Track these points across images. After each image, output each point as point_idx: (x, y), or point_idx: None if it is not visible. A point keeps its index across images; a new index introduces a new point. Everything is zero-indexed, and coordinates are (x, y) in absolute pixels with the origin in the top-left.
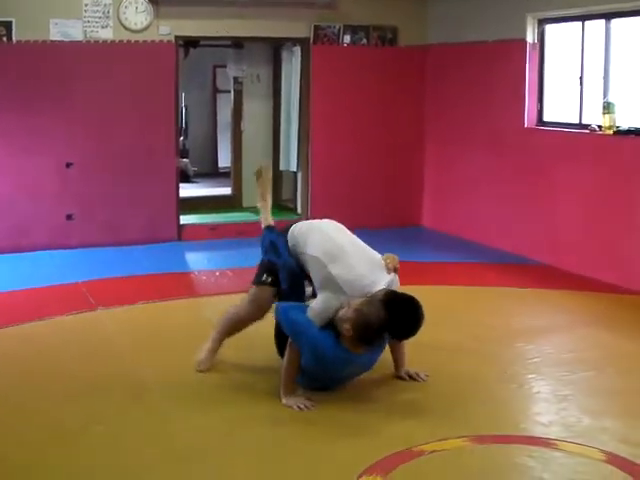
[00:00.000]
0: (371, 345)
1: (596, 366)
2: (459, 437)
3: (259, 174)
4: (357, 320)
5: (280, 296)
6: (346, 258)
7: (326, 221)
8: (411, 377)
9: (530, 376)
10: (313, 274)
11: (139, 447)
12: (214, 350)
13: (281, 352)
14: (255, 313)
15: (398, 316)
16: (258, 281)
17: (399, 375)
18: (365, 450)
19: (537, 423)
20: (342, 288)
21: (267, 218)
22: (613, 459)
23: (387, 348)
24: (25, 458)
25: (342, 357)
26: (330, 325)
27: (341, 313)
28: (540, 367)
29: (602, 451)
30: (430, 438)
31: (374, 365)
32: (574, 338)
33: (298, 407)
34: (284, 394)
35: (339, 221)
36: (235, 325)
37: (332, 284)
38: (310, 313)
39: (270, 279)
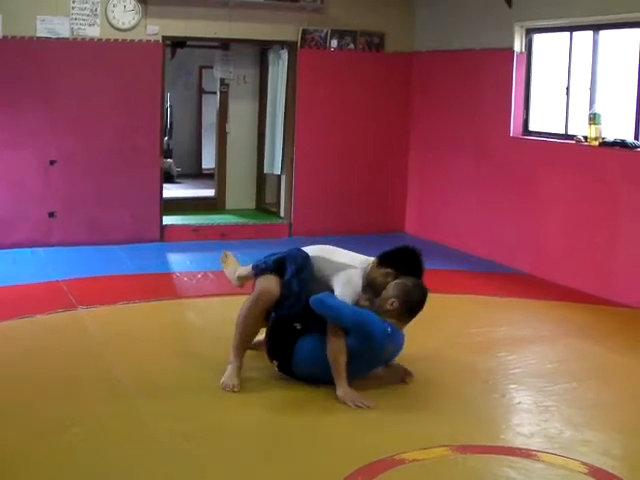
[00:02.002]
0: (414, 315)
1: (578, 377)
2: (440, 446)
3: (224, 259)
4: (401, 291)
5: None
6: (339, 251)
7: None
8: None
9: (512, 386)
10: (320, 273)
11: (116, 449)
12: (239, 368)
13: (272, 356)
14: (266, 300)
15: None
16: (260, 272)
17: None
18: (345, 458)
19: (518, 434)
20: (350, 264)
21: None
22: (594, 471)
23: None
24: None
25: (389, 332)
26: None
27: (383, 294)
28: (522, 378)
29: (583, 463)
30: (411, 447)
31: (398, 353)
32: (556, 349)
33: (355, 405)
34: (340, 384)
35: (322, 227)
36: (250, 325)
37: (340, 266)
38: (340, 296)
39: (272, 270)
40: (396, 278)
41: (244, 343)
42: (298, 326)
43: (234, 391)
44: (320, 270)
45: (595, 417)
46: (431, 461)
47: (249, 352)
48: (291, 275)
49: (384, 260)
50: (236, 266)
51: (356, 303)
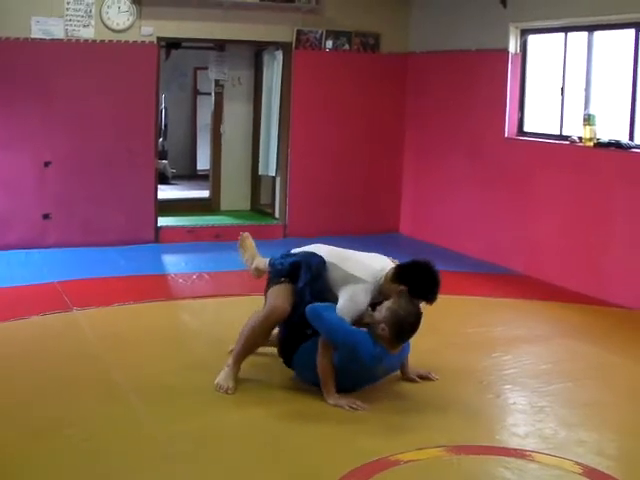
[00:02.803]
0: (406, 341)
1: (573, 378)
2: (435, 447)
3: (242, 242)
4: (392, 318)
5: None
6: (353, 256)
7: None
8: (422, 378)
9: (507, 387)
10: (330, 281)
11: (113, 450)
12: (236, 373)
13: (286, 360)
14: (277, 319)
15: (424, 278)
16: (276, 273)
17: (408, 377)
18: (340, 459)
19: (513, 434)
20: (361, 277)
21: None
22: (589, 472)
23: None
24: None
25: (379, 355)
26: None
27: (375, 315)
28: (517, 378)
29: (578, 463)
30: (406, 448)
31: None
32: (551, 349)
33: (350, 407)
34: (329, 394)
35: (316, 228)
36: (256, 339)
37: (350, 277)
38: (340, 311)
39: (286, 279)
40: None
41: (246, 354)
42: (309, 332)
43: (228, 393)
44: (331, 278)
45: (590, 417)
46: (426, 462)
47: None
48: (304, 284)
49: (399, 276)
50: (254, 253)
51: (360, 318)
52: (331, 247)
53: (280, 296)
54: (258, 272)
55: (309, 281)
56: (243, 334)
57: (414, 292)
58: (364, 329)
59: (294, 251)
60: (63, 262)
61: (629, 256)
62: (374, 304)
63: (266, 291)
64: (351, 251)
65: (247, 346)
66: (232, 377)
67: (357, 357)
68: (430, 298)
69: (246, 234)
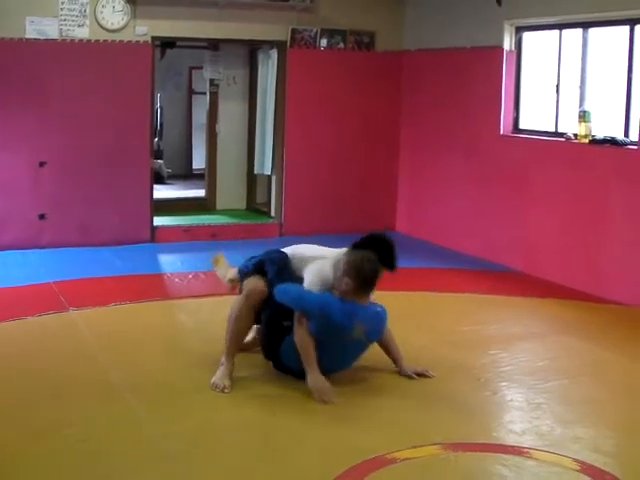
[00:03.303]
0: (371, 286)
1: (570, 374)
2: (432, 445)
3: (215, 260)
4: (350, 268)
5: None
6: (317, 247)
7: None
8: (419, 375)
9: (503, 384)
10: (299, 272)
11: (111, 450)
12: (231, 370)
13: (271, 357)
14: (254, 297)
15: (379, 247)
16: (244, 276)
17: (405, 374)
18: (336, 457)
19: (510, 431)
20: (323, 256)
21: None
22: (586, 468)
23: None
24: None
25: (349, 309)
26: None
27: (335, 276)
28: (513, 375)
29: (575, 460)
30: (403, 445)
31: (382, 329)
32: (548, 346)
33: (322, 400)
34: (310, 371)
35: (312, 226)
36: (240, 324)
37: (311, 258)
38: (307, 285)
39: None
40: None
41: (236, 343)
42: (286, 323)
43: (224, 392)
44: (298, 269)
45: (586, 414)
46: (423, 459)
47: (240, 353)
48: (273, 275)
49: (356, 246)
50: (227, 268)
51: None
52: (295, 245)
53: (252, 281)
54: (232, 282)
55: (277, 272)
56: (228, 326)
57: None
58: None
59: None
60: (59, 262)
61: (625, 253)
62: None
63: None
64: (314, 245)
65: (235, 336)
66: (227, 375)
67: (330, 318)
68: (390, 264)
69: (219, 254)
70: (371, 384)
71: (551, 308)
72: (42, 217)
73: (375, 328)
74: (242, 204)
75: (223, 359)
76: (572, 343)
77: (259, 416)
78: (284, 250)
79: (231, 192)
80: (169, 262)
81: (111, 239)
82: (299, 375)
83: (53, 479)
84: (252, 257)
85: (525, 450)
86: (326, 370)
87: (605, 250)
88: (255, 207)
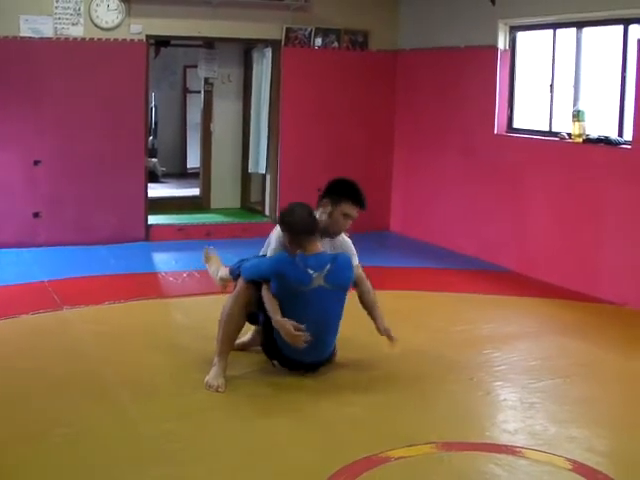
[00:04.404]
0: (305, 232)
1: (564, 374)
2: (426, 444)
3: (207, 258)
4: (280, 223)
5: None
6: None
7: None
8: (388, 336)
9: (497, 383)
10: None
11: (103, 449)
12: (224, 368)
13: (272, 355)
14: (245, 295)
15: (336, 184)
16: (236, 277)
17: (378, 327)
18: (329, 456)
19: (503, 431)
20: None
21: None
22: (579, 467)
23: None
24: None
25: (298, 261)
26: None
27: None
28: (507, 374)
29: (568, 459)
30: (396, 444)
31: (346, 273)
32: (541, 345)
33: (291, 336)
34: (274, 316)
35: None
36: (233, 322)
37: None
38: (269, 251)
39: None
40: (333, 204)
41: (228, 341)
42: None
43: (218, 391)
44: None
45: (580, 413)
46: (416, 459)
47: (233, 352)
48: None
49: (319, 199)
50: (219, 265)
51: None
52: None
53: (238, 284)
54: (223, 281)
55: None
56: (220, 326)
57: (335, 195)
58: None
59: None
60: (53, 261)
61: (619, 252)
62: None
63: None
64: None
65: (227, 334)
66: (221, 374)
67: (284, 274)
68: (356, 199)
69: (210, 249)
70: (364, 383)
71: (545, 308)
72: (36, 215)
73: (336, 273)
74: (236, 203)
75: (216, 359)
76: (566, 343)
77: (253, 415)
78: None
79: (225, 191)
80: (163, 261)
81: (105, 238)
82: (308, 368)
83: (43, 478)
84: (244, 259)
85: (518, 449)
86: (313, 332)
87: (599, 250)
88: (249, 206)
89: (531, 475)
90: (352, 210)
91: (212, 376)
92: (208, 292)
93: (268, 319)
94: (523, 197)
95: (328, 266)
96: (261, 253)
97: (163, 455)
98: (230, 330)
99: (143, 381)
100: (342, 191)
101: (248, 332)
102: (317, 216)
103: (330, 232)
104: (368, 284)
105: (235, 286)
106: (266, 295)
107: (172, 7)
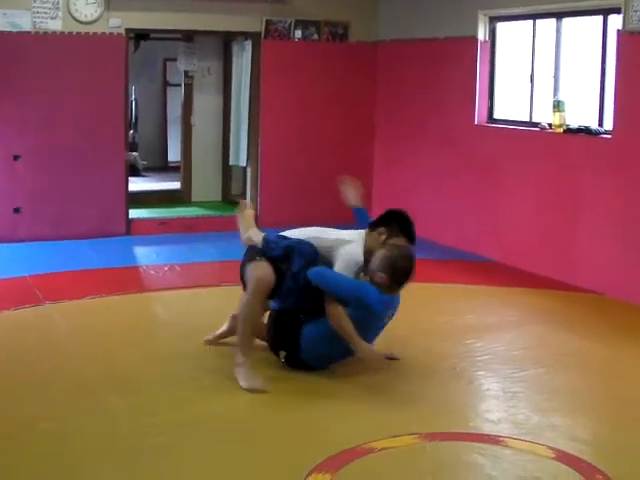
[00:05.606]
0: (404, 283)
1: (545, 363)
2: (409, 434)
3: (241, 210)
4: (387, 265)
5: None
6: (332, 230)
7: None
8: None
9: (480, 373)
10: (321, 253)
11: (87, 444)
12: (250, 367)
13: (278, 347)
14: (263, 289)
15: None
16: (268, 250)
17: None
18: (314, 447)
19: (486, 420)
20: (348, 240)
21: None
22: (562, 456)
23: None
24: None
25: (385, 301)
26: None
27: (370, 267)
28: (489, 364)
29: (551, 448)
30: (380, 435)
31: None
32: (524, 335)
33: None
34: (358, 345)
35: (288, 218)
36: (254, 317)
37: (338, 242)
38: (340, 270)
39: (262, 257)
40: (389, 236)
41: (250, 338)
42: (302, 317)
43: (266, 391)
44: (321, 252)
45: (563, 402)
46: (400, 449)
47: (213, 347)
48: (299, 268)
49: (374, 224)
50: (250, 223)
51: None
52: (302, 229)
53: (258, 268)
54: (249, 241)
55: (303, 266)
56: (240, 326)
57: (393, 228)
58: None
59: (287, 234)
60: (34, 256)
61: (600, 241)
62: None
63: (244, 260)
64: (332, 229)
65: (249, 330)
66: (252, 374)
67: (368, 307)
68: (410, 236)
69: (247, 202)
70: (347, 375)
71: (526, 297)
72: (17, 211)
73: (395, 310)
74: (217, 196)
75: (240, 358)
76: (548, 332)
77: (238, 408)
78: (294, 235)
79: (206, 184)
80: (144, 254)
81: (86, 232)
82: (313, 369)
83: (26, 475)
84: (283, 237)
85: (502, 439)
86: (348, 351)
87: (579, 239)
88: (230, 199)
89: (515, 464)
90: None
91: (247, 378)
92: (189, 285)
93: (284, 312)
94: (504, 187)
95: (396, 305)
96: (295, 234)
97: (147, 448)
98: (252, 323)
99: (126, 375)
100: (402, 226)
101: (224, 324)
102: (366, 241)
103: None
104: None
105: (257, 257)
106: (345, 319)
107: (151, 0)
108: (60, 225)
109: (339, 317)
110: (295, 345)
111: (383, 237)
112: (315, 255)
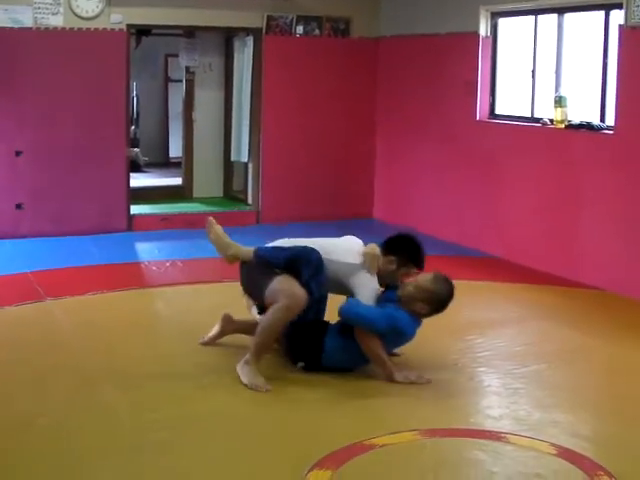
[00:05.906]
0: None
1: (547, 360)
2: (410, 430)
3: (210, 227)
4: (432, 299)
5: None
6: (332, 246)
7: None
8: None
9: (481, 369)
10: (333, 274)
11: (87, 439)
12: (257, 369)
13: (297, 358)
14: (297, 311)
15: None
16: (269, 272)
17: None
18: (315, 444)
19: (488, 416)
20: (355, 263)
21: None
22: (563, 452)
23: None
24: None
25: (417, 325)
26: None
27: (406, 293)
28: (491, 360)
29: (552, 444)
30: (381, 431)
31: None
32: (525, 331)
33: (410, 381)
34: (392, 374)
35: (289, 214)
36: (277, 334)
37: (346, 266)
38: (366, 301)
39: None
40: (399, 265)
41: (268, 350)
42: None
43: (268, 390)
44: (330, 271)
45: (564, 399)
46: (401, 446)
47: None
48: (309, 277)
49: (385, 247)
50: (224, 238)
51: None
52: (308, 240)
53: (294, 285)
54: (232, 258)
55: (313, 276)
56: (262, 332)
57: (403, 257)
58: (391, 305)
59: (279, 244)
60: (36, 252)
61: (602, 237)
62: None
63: (243, 280)
64: (322, 239)
65: (267, 344)
66: (257, 373)
67: (402, 333)
68: (420, 264)
69: (211, 219)
70: (347, 372)
71: (528, 293)
72: (19, 207)
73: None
74: (219, 192)
75: (250, 358)
76: (549, 328)
77: (237, 404)
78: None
79: (208, 180)
80: (146, 250)
81: (88, 228)
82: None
83: (26, 472)
84: (280, 248)
85: (503, 435)
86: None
87: (581, 235)
88: (232, 195)
89: (516, 460)
90: (413, 271)
91: (251, 376)
92: (191, 281)
93: (306, 323)
94: (505, 183)
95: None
96: (287, 244)
97: (148, 445)
98: (272, 339)
99: (127, 371)
100: (412, 256)
101: (215, 325)
102: (380, 264)
103: (382, 282)
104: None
105: (251, 270)
106: (381, 349)
107: None
108: (62, 221)
109: (376, 348)
110: (317, 357)
111: (393, 266)
112: (321, 261)
